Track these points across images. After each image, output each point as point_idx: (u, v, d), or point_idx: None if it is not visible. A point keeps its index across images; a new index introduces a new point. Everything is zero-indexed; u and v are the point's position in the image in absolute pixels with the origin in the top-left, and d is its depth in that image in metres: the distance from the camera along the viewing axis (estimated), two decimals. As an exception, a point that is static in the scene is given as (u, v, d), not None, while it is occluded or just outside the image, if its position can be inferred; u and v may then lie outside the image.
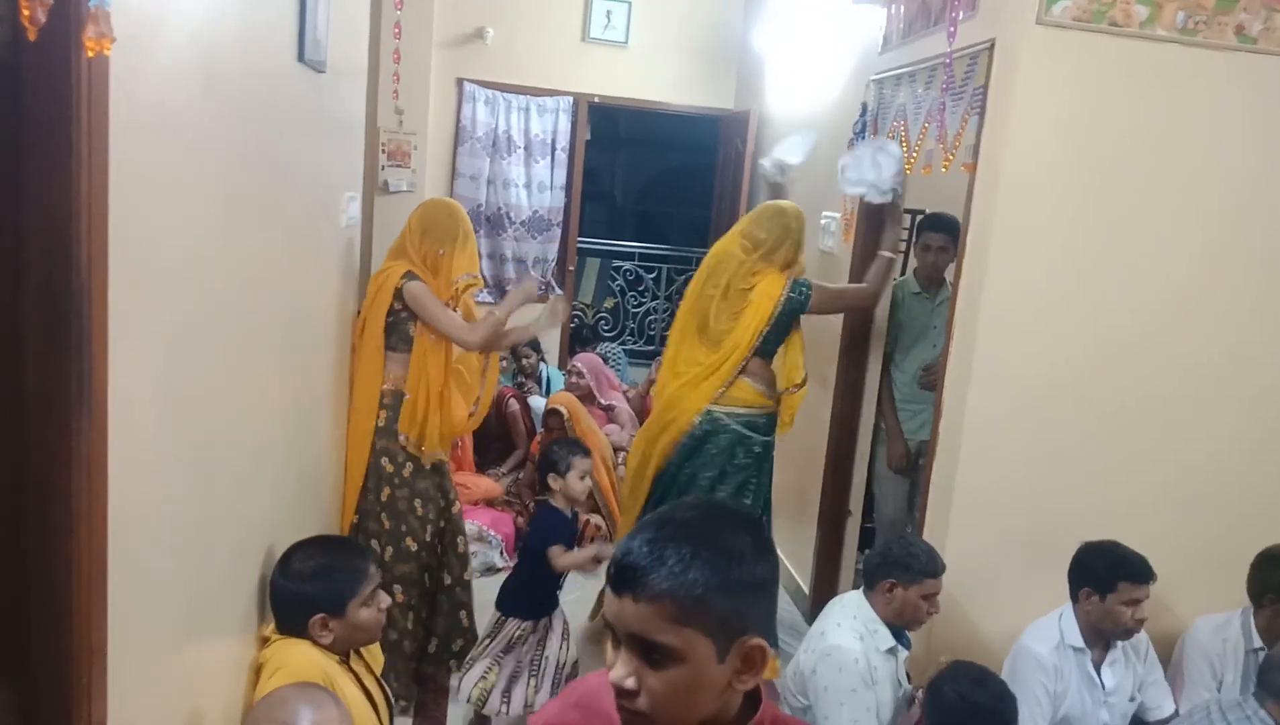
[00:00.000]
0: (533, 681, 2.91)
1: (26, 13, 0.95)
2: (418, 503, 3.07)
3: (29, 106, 1.23)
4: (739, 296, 3.24)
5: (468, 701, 2.92)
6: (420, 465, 3.07)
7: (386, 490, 3.03)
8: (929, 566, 2.48)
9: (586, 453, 3.09)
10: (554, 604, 3.03)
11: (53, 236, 1.24)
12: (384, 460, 3.03)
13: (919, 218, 4.04)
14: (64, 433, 1.28)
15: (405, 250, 3.03)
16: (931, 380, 3.66)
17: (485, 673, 2.92)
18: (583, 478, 3.03)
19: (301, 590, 2.07)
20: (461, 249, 3.05)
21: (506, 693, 2.89)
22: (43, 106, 1.21)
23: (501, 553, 4.24)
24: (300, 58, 2.25)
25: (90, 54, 1.07)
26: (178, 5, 1.51)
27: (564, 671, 2.99)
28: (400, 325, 2.99)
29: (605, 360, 5.42)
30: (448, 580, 3.23)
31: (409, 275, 2.95)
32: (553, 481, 3.01)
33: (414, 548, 3.08)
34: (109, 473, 1.34)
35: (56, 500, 1.30)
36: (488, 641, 2.98)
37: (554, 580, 3.00)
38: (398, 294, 2.94)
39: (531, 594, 2.99)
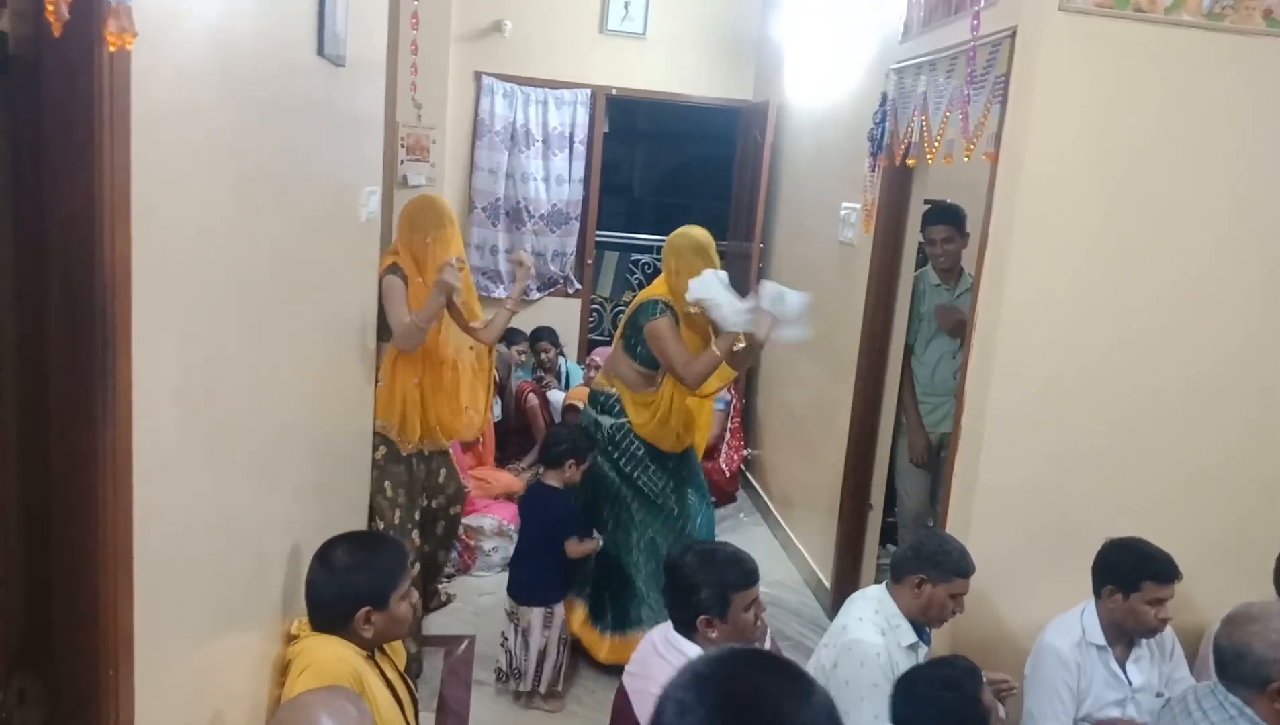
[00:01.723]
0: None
1: (51, 8, 0.95)
2: (388, 484, 3.22)
3: (50, 102, 1.23)
4: None
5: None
6: (396, 452, 3.21)
7: (375, 472, 3.21)
8: (960, 566, 2.45)
9: None
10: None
11: (75, 233, 1.25)
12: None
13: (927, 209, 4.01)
14: (88, 429, 1.29)
15: (395, 247, 3.24)
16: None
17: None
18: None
19: (348, 583, 2.05)
20: (445, 234, 3.19)
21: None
22: (64, 102, 1.22)
23: (522, 547, 4.25)
24: (319, 52, 2.25)
25: (112, 49, 1.08)
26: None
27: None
28: (381, 316, 3.16)
29: (624, 354, 5.41)
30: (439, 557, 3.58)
31: (391, 269, 3.11)
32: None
33: (380, 527, 3.19)
34: (133, 469, 1.35)
35: (82, 496, 1.31)
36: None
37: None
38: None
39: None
